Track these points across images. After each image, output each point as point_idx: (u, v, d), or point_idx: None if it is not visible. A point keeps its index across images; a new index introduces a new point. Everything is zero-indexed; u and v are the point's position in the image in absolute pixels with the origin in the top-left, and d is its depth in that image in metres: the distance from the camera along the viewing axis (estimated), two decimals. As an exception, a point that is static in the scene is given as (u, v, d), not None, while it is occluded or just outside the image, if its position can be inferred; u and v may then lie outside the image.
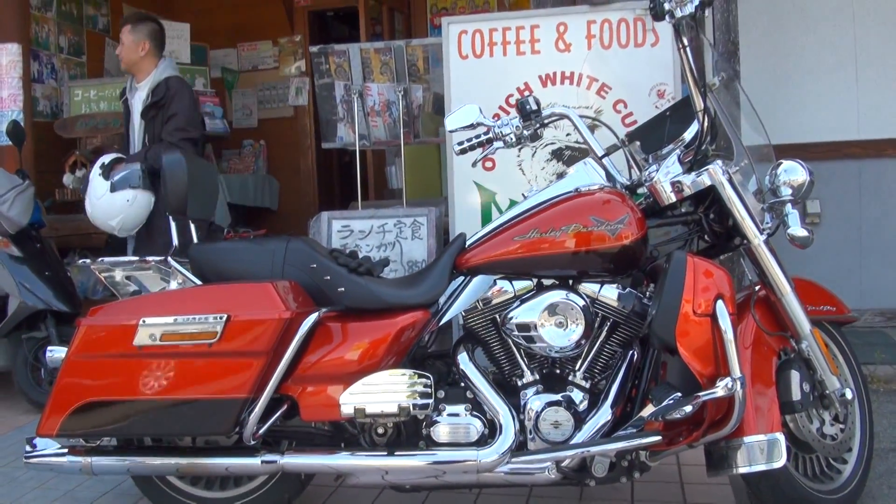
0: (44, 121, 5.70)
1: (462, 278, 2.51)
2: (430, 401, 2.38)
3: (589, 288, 2.44)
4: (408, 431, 2.48)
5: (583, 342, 2.41)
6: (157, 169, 3.71)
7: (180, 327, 2.32)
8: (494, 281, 2.48)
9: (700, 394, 2.22)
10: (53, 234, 4.90)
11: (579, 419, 2.39)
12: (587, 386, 2.46)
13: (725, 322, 2.24)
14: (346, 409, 2.37)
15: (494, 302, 2.47)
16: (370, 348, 2.41)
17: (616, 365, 2.46)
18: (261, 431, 2.39)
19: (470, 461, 2.37)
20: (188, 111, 4.02)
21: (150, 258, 2.60)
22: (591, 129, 2.72)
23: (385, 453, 2.43)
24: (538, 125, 2.62)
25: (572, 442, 2.37)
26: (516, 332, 2.42)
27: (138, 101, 4.11)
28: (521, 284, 2.47)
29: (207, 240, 2.84)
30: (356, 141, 4.27)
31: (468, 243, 2.53)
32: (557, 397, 2.42)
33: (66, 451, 2.51)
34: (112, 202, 3.80)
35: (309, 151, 7.14)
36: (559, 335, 2.38)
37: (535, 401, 2.42)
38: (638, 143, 2.67)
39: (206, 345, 2.30)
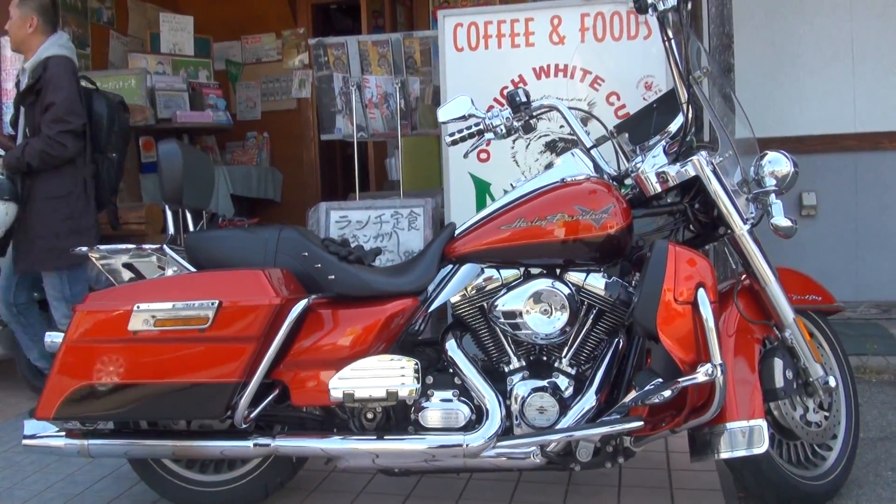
0: (49, 112, 5.74)
1: (451, 267, 2.54)
2: (418, 386, 2.42)
3: (575, 276, 2.47)
4: (397, 416, 2.53)
5: (568, 329, 2.45)
6: (33, 167, 3.53)
7: (173, 313, 2.36)
8: (482, 269, 2.51)
9: (680, 379, 2.26)
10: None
11: (564, 405, 2.43)
12: (573, 373, 2.50)
13: (706, 310, 2.27)
14: (336, 394, 2.41)
15: (482, 290, 2.51)
16: (360, 334, 2.45)
17: (602, 352, 2.50)
18: (252, 415, 2.44)
19: (457, 445, 2.40)
20: (68, 99, 3.52)
21: (146, 246, 2.64)
22: (584, 121, 2.75)
23: (375, 437, 2.47)
24: (528, 117, 2.66)
25: (557, 427, 2.41)
26: (503, 320, 2.46)
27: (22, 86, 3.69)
28: (509, 273, 2.50)
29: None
30: (354, 132, 4.31)
31: (457, 232, 2.57)
32: (543, 383, 2.46)
33: (63, 434, 2.55)
34: None
35: (312, 144, 7.16)
36: (544, 322, 2.43)
37: (521, 387, 2.46)
38: (626, 134, 2.71)
39: (197, 330, 2.34)
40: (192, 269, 2.55)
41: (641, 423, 2.35)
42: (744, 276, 2.56)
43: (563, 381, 2.47)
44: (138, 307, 2.37)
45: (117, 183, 3.92)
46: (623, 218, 2.42)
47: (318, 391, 2.44)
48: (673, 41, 2.42)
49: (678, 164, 2.47)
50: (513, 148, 3.65)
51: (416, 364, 2.43)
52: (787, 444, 2.62)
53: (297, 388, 2.46)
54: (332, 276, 2.49)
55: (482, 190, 3.72)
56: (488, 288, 2.51)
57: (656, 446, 3.04)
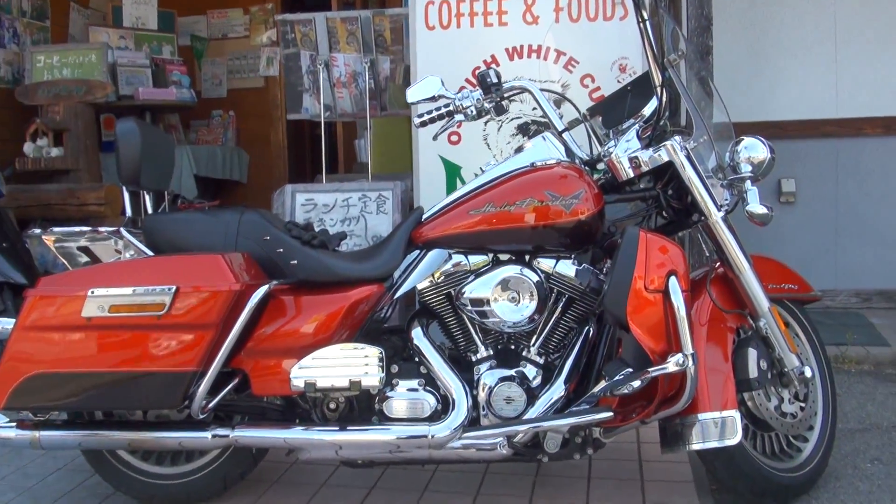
0: (4, 87, 5.67)
1: (418, 252, 2.54)
2: (383, 375, 2.42)
3: (544, 263, 2.48)
4: (360, 406, 2.53)
5: (537, 317, 2.46)
6: None
7: (128, 299, 2.33)
8: (450, 255, 2.52)
9: (650, 369, 2.28)
10: (13, 205, 4.89)
11: (532, 395, 2.44)
12: (541, 362, 2.51)
13: (678, 298, 2.29)
14: (297, 383, 2.41)
15: (449, 276, 2.51)
16: (323, 322, 2.45)
17: (571, 341, 2.51)
18: (210, 405, 2.42)
19: (422, 436, 2.40)
20: None
21: (102, 228, 2.61)
22: (557, 103, 2.75)
23: (337, 428, 2.47)
24: (499, 98, 2.65)
25: (525, 417, 2.42)
26: (470, 307, 2.47)
27: None
28: (477, 259, 2.51)
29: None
30: (321, 112, 4.29)
31: (424, 217, 2.56)
32: (511, 372, 2.47)
33: (14, 424, 2.52)
34: None
35: (279, 123, 7.12)
36: (512, 310, 2.43)
37: (488, 376, 2.47)
38: (599, 117, 2.72)
39: (154, 317, 2.32)
40: (150, 254, 2.53)
41: (611, 413, 2.37)
42: (717, 264, 2.59)
43: (531, 371, 2.49)
44: (92, 292, 2.34)
45: None
46: (594, 203, 2.43)
47: (280, 380, 2.43)
48: (648, 22, 2.43)
49: (651, 148, 2.48)
50: (484, 130, 3.65)
51: (381, 352, 2.43)
52: (761, 436, 2.65)
53: (257, 378, 2.44)
54: (295, 261, 2.48)
55: (452, 173, 3.72)
56: (456, 274, 2.51)
57: (627, 437, 3.07)
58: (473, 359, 2.53)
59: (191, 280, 2.34)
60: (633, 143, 2.52)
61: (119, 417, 2.59)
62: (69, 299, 2.36)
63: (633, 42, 3.49)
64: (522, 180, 2.47)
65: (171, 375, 2.35)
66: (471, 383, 2.48)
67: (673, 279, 2.31)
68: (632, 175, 2.51)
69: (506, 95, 2.66)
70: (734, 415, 2.40)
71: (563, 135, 2.62)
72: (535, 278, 2.44)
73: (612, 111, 2.70)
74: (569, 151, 2.58)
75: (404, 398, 2.49)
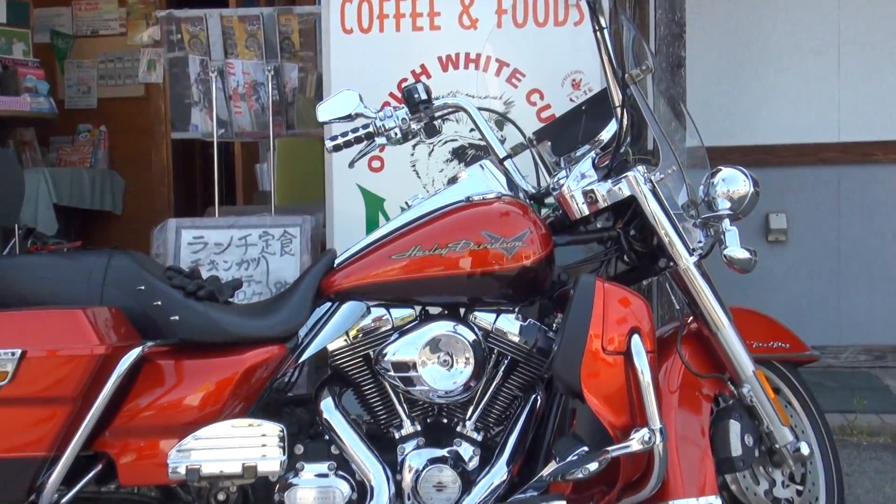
0: None
1: (329, 305, 2.56)
2: (284, 458, 2.42)
3: (482, 318, 2.52)
4: (257, 497, 2.52)
5: (473, 385, 2.49)
6: None
7: (-38, 365, 2.31)
8: (368, 308, 2.54)
9: (609, 448, 2.32)
10: None
11: (468, 480, 2.47)
12: (479, 439, 2.54)
13: (642, 361, 2.34)
14: (178, 470, 2.38)
15: (367, 335, 2.54)
16: (210, 392, 2.44)
17: (515, 413, 2.55)
18: (65, 500, 2.39)
19: (333, 535, 2.42)
20: None
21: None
22: (498, 125, 2.81)
23: (227, 526, 2.47)
24: (429, 118, 2.70)
25: (460, 508, 2.45)
26: (392, 373, 2.49)
27: None
28: (401, 313, 2.54)
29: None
30: (214, 130, 4.30)
31: (338, 262, 2.59)
32: (442, 453, 2.50)
33: None
34: None
35: (163, 141, 7.09)
36: (444, 376, 2.46)
37: (414, 457, 2.50)
38: (548, 142, 2.77)
39: (-6, 388, 2.30)
40: (-8, 307, 2.50)
41: (563, 502, 2.40)
42: (690, 319, 2.65)
43: (466, 450, 2.52)
44: (-84, 358, 2.31)
45: None
46: (541, 246, 2.48)
47: (155, 466, 2.41)
48: (606, 30, 2.49)
49: (610, 181, 2.54)
50: (412, 155, 3.70)
51: (282, 430, 2.43)
52: (749, 528, 2.70)
53: (125, 463, 2.42)
54: (176, 317, 2.47)
55: (374, 207, 3.75)
56: (375, 332, 2.54)
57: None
58: (397, 436, 2.55)
59: (41, 342, 2.31)
60: (588, 174, 2.57)
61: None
62: None
63: (589, 53, 3.55)
64: (456, 218, 2.51)
65: (14, 462, 2.31)
66: (393, 466, 2.50)
67: (636, 338, 2.36)
68: (587, 212, 2.57)
69: (437, 114, 2.72)
70: (714, 502, 2.44)
71: (505, 162, 2.68)
72: (472, 337, 2.48)
73: (563, 135, 2.75)
74: (511, 183, 2.63)
75: (311, 486, 2.49)
